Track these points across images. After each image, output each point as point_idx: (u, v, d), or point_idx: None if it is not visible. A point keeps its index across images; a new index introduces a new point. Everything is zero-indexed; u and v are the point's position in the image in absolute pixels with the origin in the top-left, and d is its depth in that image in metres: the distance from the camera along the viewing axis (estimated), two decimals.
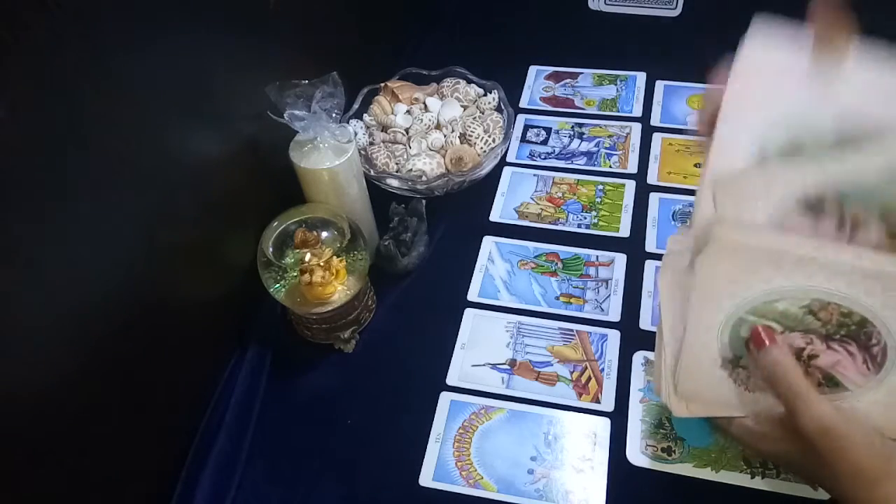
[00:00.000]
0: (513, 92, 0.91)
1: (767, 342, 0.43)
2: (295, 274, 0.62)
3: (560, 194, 0.80)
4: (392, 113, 0.83)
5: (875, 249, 0.40)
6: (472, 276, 0.73)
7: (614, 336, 0.67)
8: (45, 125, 0.42)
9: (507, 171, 0.83)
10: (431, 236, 0.77)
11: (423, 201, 0.75)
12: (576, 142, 0.86)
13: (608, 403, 0.63)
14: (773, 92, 0.43)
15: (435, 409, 0.63)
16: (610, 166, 0.82)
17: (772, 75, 0.42)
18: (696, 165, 0.81)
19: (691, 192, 0.78)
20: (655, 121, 0.87)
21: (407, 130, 0.82)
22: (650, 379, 0.63)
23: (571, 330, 0.68)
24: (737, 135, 0.43)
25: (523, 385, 0.64)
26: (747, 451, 0.57)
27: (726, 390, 0.47)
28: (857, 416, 0.43)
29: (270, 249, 0.63)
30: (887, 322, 0.41)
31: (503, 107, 0.83)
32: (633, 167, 0.82)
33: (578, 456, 0.60)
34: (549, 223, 0.77)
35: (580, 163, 0.83)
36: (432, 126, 0.82)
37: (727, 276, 0.42)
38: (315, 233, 0.64)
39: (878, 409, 0.44)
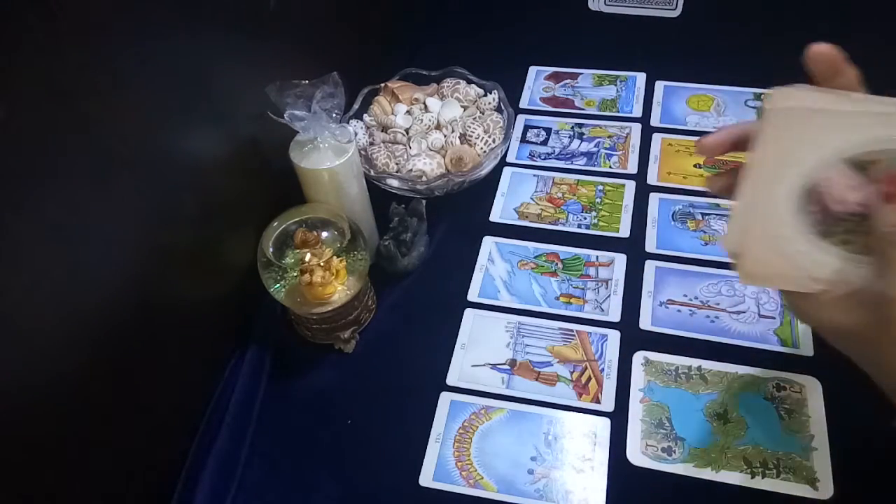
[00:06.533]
0: (513, 92, 0.91)
1: None
2: (295, 274, 0.62)
3: (560, 194, 0.80)
4: (392, 113, 0.83)
5: None
6: (472, 276, 0.73)
7: (614, 336, 0.67)
8: (45, 125, 0.42)
9: (507, 171, 0.83)
10: (431, 236, 0.77)
11: (423, 201, 0.75)
12: (576, 142, 0.86)
13: (608, 403, 0.63)
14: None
15: (435, 409, 0.63)
16: (610, 167, 0.82)
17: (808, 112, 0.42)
18: (695, 166, 0.81)
19: (691, 193, 0.78)
20: (655, 121, 0.87)
21: (407, 131, 0.82)
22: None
23: (571, 330, 0.68)
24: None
25: (523, 385, 0.64)
26: (808, 321, 0.50)
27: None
28: None
29: (270, 249, 0.63)
30: None
31: (503, 107, 0.83)
32: (632, 167, 0.82)
33: (578, 456, 0.60)
34: (549, 223, 0.77)
35: (580, 163, 0.83)
36: (432, 126, 0.82)
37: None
38: (315, 233, 0.65)
39: None
